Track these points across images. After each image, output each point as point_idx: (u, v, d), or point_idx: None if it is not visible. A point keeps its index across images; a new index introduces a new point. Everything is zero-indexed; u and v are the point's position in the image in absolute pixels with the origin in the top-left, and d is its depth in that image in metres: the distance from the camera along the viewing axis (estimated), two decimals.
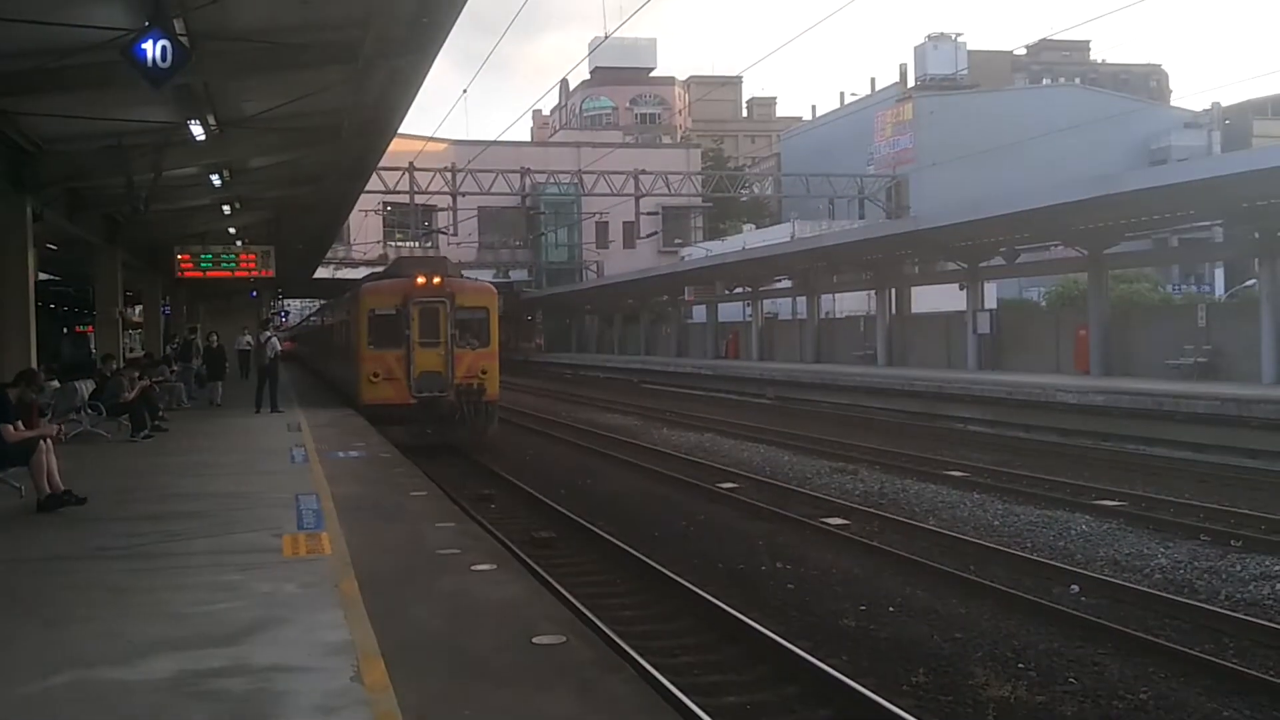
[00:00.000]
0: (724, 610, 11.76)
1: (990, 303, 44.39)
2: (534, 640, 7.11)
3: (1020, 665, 10.61)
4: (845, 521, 17.42)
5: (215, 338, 34.13)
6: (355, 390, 27.22)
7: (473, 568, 9.26)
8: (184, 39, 10.65)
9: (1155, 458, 24.20)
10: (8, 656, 7.02)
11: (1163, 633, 11.54)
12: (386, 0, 12.66)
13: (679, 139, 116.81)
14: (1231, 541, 15.58)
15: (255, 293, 56.05)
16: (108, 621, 7.77)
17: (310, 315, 76.49)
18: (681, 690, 8.84)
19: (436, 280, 26.26)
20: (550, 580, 12.33)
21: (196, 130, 16.77)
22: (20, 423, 13.42)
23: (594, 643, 7.18)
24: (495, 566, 9.30)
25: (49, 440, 13.25)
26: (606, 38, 45.41)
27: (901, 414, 34.14)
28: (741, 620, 11.38)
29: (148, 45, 9.92)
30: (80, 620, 7.86)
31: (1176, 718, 9.34)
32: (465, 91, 32.24)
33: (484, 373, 26.40)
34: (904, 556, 14.86)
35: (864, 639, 11.48)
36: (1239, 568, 14.19)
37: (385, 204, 68.07)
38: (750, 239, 70.61)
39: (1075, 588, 13.39)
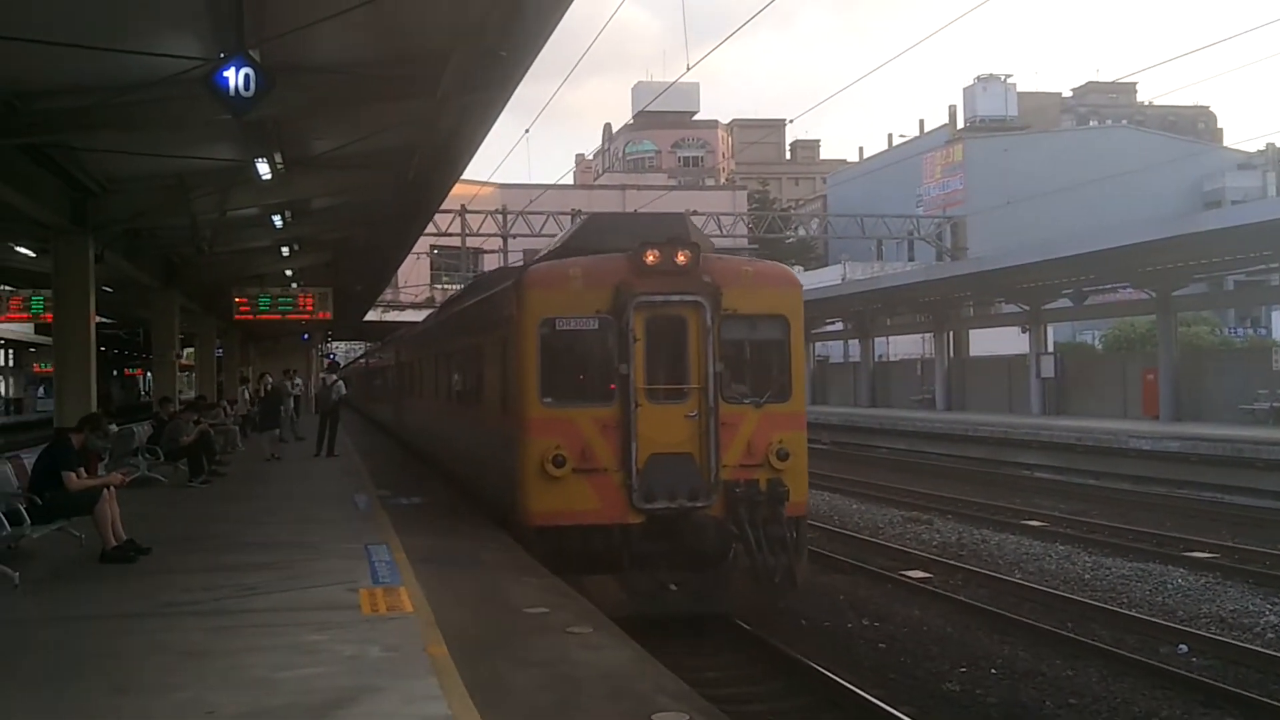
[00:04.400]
0: (822, 674, 11.11)
1: (1049, 346, 43.66)
2: (654, 718, 6.52)
3: None
4: (927, 575, 16.79)
5: (269, 381, 31.43)
6: (507, 490, 13.95)
7: (568, 630, 8.68)
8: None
9: (1238, 506, 23.44)
10: None
11: None
12: (469, 33, 12.31)
13: (722, 182, 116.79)
14: None
15: (307, 335, 56.04)
16: (187, 689, 7.22)
17: (375, 348, 54.99)
18: None
19: (681, 257, 12.95)
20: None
21: (263, 169, 16.45)
22: (83, 469, 13.02)
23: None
24: (592, 629, 8.72)
25: (112, 488, 12.84)
26: (666, 88, 45.11)
27: (966, 460, 33.37)
28: (842, 685, 10.73)
29: (230, 73, 9.57)
30: (157, 688, 7.33)
31: None
32: (528, 131, 32.02)
33: (781, 455, 13.07)
34: (996, 613, 14.22)
35: (973, 705, 10.83)
36: None
37: (434, 247, 68.10)
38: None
39: (1184, 648, 12.72)
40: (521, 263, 16.63)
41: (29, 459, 13.85)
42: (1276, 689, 11.14)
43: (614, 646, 8.27)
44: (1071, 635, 13.04)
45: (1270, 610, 14.33)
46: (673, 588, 12.66)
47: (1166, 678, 11.45)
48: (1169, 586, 15.87)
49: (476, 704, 6.70)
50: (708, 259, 13.43)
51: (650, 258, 12.87)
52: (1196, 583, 16.05)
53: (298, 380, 39.44)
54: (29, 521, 11.84)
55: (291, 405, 31.40)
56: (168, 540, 13.29)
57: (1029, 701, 10.88)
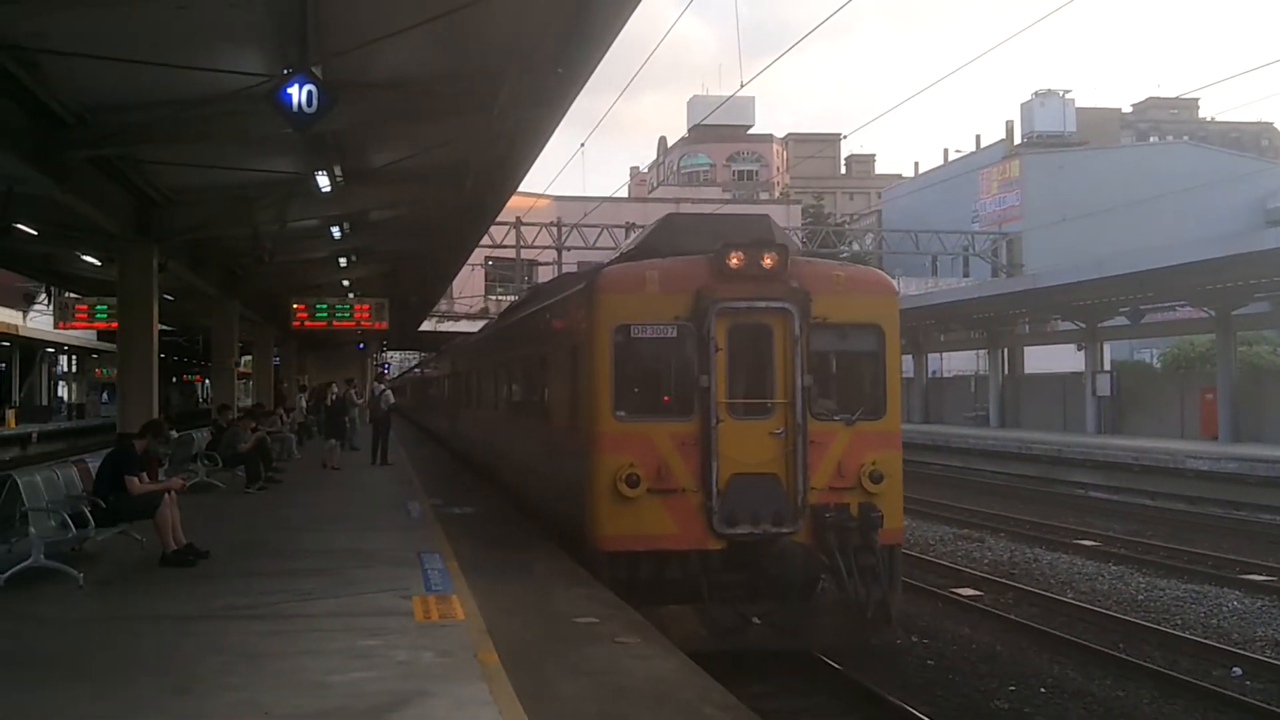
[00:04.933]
0: (869, 690, 11.13)
1: (1106, 364, 43.28)
2: None
3: None
4: (978, 593, 16.73)
5: (336, 391, 29.98)
6: (575, 511, 12.89)
7: (616, 640, 8.81)
8: None
9: None
10: None
11: None
12: (525, 51, 12.52)
13: (776, 195, 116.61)
14: None
15: (363, 344, 56.69)
16: (244, 690, 7.43)
17: (431, 357, 50.74)
18: None
19: (768, 260, 12.05)
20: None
21: (323, 181, 16.82)
22: (145, 474, 13.33)
23: None
24: (640, 640, 8.83)
25: (173, 493, 13.14)
26: (722, 102, 45.25)
27: (1019, 478, 33.14)
28: (889, 701, 10.77)
29: (293, 90, 9.87)
30: (216, 688, 7.53)
31: None
32: (583, 145, 32.16)
33: (875, 478, 12.10)
34: (1046, 632, 14.14)
35: None
36: None
37: (488, 258, 68.58)
38: None
39: (1238, 670, 12.60)
40: (577, 272, 15.98)
41: (93, 463, 14.20)
42: None
43: (661, 656, 8.38)
44: (1123, 656, 12.96)
45: None
46: (755, 621, 11.73)
47: (1219, 700, 11.37)
48: (1224, 609, 15.70)
49: (526, 710, 6.84)
50: (796, 262, 12.40)
51: (734, 260, 11.92)
52: (1253, 605, 15.86)
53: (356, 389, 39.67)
54: (93, 524, 12.13)
55: (355, 415, 30.95)
56: (225, 545, 13.55)
57: None
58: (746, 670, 11.02)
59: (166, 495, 12.88)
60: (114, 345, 58.09)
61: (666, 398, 12.41)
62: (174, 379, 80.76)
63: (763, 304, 12.06)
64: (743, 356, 12.12)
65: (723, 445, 11.77)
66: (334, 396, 29.00)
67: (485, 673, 7.74)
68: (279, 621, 9.64)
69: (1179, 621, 15.02)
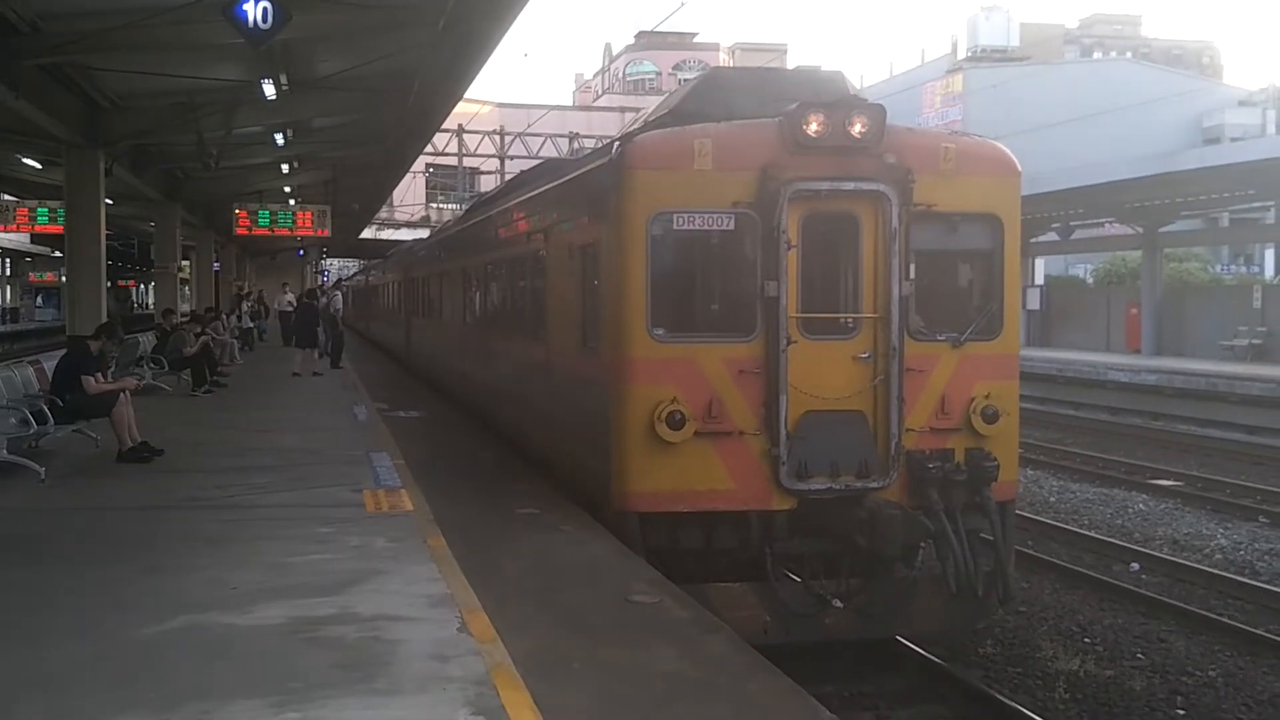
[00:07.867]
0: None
1: (1039, 279, 44.25)
2: (630, 599, 7.31)
3: (1086, 640, 10.80)
4: None
5: (310, 294, 28.53)
6: (594, 459, 10.04)
7: (557, 528, 9.48)
8: None
9: (1208, 439, 24.17)
10: (121, 600, 7.29)
11: (1226, 612, 11.67)
12: None
13: None
14: None
15: (303, 251, 56.47)
16: (211, 569, 8.02)
17: (383, 261, 40.29)
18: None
19: (859, 126, 9.12)
20: None
21: (268, 89, 17.00)
22: (100, 374, 13.73)
23: (689, 604, 7.34)
24: (577, 528, 9.49)
25: (128, 392, 13.55)
26: (672, 12, 45.04)
27: None
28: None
29: (249, 6, 10.17)
30: (184, 568, 8.12)
31: (1246, 695, 9.48)
32: (526, 55, 32.11)
33: (988, 416, 9.47)
34: None
35: None
36: None
37: (430, 166, 68.12)
38: None
39: (1135, 565, 13.54)
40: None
41: (49, 364, 14.56)
42: (1216, 603, 12.00)
43: (598, 541, 9.04)
44: (1031, 552, 13.82)
45: (1222, 533, 15.15)
46: (836, 604, 9.16)
47: (1114, 591, 12.32)
48: (1130, 510, 16.68)
49: (471, 585, 7.50)
50: (893, 131, 9.35)
51: (815, 126, 9.04)
52: (1157, 508, 16.85)
53: (289, 296, 39.33)
54: (52, 421, 12.53)
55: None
56: (179, 444, 13.96)
57: None
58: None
59: (121, 394, 13.29)
60: (50, 248, 57.43)
61: (720, 311, 9.71)
62: (110, 284, 79.92)
63: (850, 186, 9.21)
64: (822, 256, 9.41)
65: (794, 374, 9.06)
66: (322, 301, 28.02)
67: (434, 555, 8.38)
68: (237, 511, 10.19)
69: (1086, 521, 15.99)
